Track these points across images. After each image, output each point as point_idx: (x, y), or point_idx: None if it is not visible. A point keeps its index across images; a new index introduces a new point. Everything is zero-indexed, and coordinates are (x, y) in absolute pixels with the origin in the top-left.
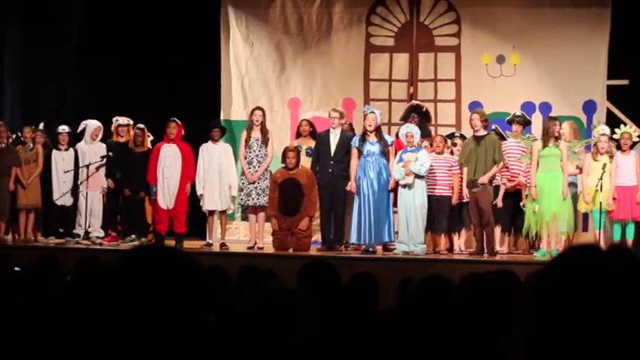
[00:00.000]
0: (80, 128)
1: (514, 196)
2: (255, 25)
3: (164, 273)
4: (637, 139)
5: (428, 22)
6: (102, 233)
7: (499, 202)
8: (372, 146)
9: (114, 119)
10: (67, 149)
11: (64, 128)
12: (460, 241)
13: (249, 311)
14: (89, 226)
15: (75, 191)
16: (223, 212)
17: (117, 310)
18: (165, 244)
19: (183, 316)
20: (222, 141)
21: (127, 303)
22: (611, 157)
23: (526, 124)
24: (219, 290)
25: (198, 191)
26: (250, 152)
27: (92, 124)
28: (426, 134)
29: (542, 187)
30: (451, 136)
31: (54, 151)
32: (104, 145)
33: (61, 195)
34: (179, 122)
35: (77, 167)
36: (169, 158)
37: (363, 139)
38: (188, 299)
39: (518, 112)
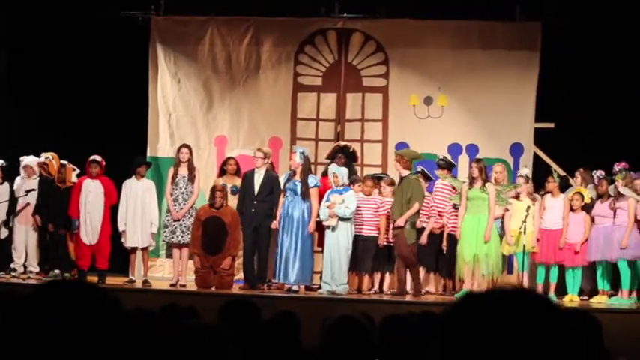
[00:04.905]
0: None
1: (439, 237)
2: (183, 62)
3: (76, 308)
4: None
5: (356, 63)
6: (37, 268)
7: (423, 240)
8: (295, 186)
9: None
10: (1, 183)
11: (2, 163)
12: (385, 281)
13: (170, 349)
14: (25, 260)
15: (7, 225)
16: (145, 249)
17: (25, 344)
18: (81, 279)
19: (95, 351)
20: (145, 178)
21: (36, 337)
22: (534, 200)
23: (450, 167)
24: (143, 330)
25: (120, 227)
26: (176, 189)
27: (25, 160)
28: (352, 174)
29: (465, 229)
30: (380, 178)
31: None
32: (37, 181)
33: None
34: (99, 160)
35: (11, 201)
36: (92, 194)
37: (290, 178)
38: (100, 335)
39: (441, 156)
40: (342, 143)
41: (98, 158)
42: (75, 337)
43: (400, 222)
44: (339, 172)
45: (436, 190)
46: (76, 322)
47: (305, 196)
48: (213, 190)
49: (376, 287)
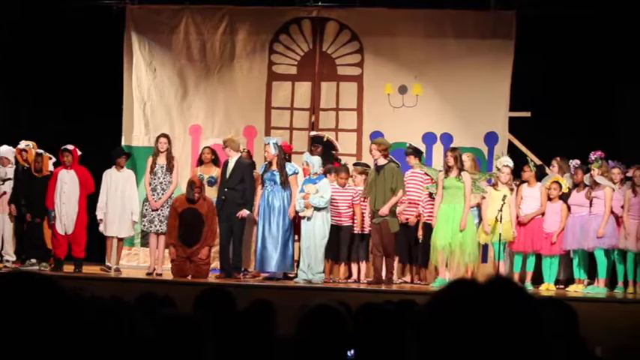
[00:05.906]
0: None
1: (414, 226)
2: (158, 51)
3: (28, 300)
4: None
5: (331, 52)
6: (13, 257)
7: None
8: (274, 176)
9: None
10: None
11: None
12: (361, 270)
13: (147, 338)
14: (2, 249)
15: None
16: (122, 238)
17: None
18: (37, 272)
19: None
20: (125, 167)
21: None
22: (511, 189)
23: (416, 153)
24: (119, 319)
25: (99, 216)
26: (155, 179)
27: (0, 150)
28: (329, 163)
29: (441, 218)
30: (358, 165)
31: None
32: (12, 170)
33: None
34: (71, 149)
35: None
36: (67, 184)
37: (267, 169)
38: (52, 328)
39: (408, 143)
40: (312, 133)
41: (70, 147)
42: (17, 329)
43: (384, 210)
44: (310, 161)
45: (410, 178)
46: (17, 314)
47: (284, 184)
48: (192, 185)
49: (355, 276)
